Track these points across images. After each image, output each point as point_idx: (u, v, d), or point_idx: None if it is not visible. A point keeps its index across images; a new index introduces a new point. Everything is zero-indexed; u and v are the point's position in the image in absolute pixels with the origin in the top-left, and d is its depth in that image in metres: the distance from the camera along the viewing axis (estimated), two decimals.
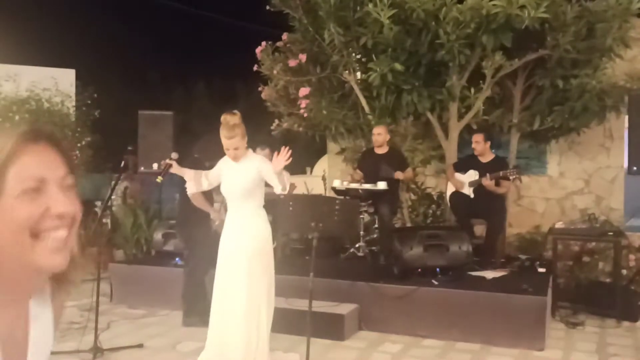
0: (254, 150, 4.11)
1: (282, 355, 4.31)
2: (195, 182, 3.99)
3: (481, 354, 4.43)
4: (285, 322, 4.67)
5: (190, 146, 5.68)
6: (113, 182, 4.90)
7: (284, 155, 3.59)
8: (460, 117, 6.61)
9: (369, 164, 6.39)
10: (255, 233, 3.80)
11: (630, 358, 4.36)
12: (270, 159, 3.82)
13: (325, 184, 8.27)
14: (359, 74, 7.00)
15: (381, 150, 6.37)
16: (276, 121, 7.67)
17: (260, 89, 7.67)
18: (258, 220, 3.83)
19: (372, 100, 6.79)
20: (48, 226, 0.90)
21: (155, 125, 7.37)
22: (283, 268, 5.59)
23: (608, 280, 5.91)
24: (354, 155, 7.24)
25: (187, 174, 4.02)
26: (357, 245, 6.31)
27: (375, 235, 6.46)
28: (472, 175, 6.04)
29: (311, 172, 10.76)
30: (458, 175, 6.19)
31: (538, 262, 5.85)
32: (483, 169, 5.92)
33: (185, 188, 4.37)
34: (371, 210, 6.32)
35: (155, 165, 7.36)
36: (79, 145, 7.91)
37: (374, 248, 6.35)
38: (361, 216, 6.27)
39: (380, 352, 4.49)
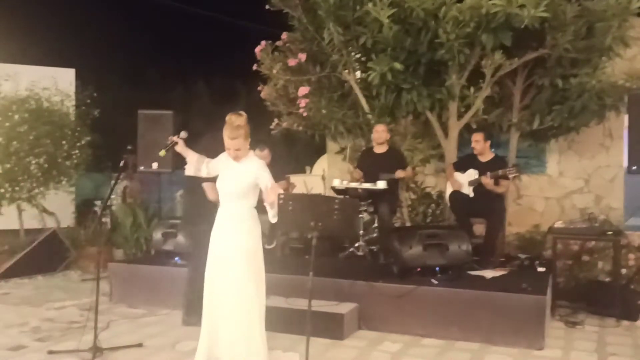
0: (253, 150, 4.11)
1: (281, 355, 4.31)
2: (195, 166, 3.95)
3: (480, 353, 4.43)
4: (285, 322, 4.68)
5: (190, 145, 5.68)
6: (112, 182, 4.90)
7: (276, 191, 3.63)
8: (460, 116, 6.62)
9: (368, 164, 6.40)
10: (249, 233, 3.80)
11: (630, 357, 4.36)
12: (269, 160, 3.84)
13: (324, 183, 8.28)
14: (358, 73, 7.00)
15: (381, 150, 6.37)
16: (276, 120, 7.67)
17: (259, 88, 7.67)
18: (251, 220, 3.83)
19: (372, 100, 6.79)
20: None
21: (155, 125, 7.37)
22: (283, 267, 5.61)
23: (607, 279, 5.91)
24: (354, 155, 7.24)
25: (191, 155, 3.98)
26: (356, 245, 6.31)
27: (374, 235, 6.46)
28: (472, 174, 6.04)
29: (310, 171, 10.76)
30: (457, 175, 6.19)
31: (537, 262, 5.85)
32: (482, 168, 5.92)
33: (187, 187, 4.38)
34: (371, 209, 6.32)
35: (155, 165, 7.37)
36: (78, 144, 7.90)
37: (373, 247, 6.35)
38: (361, 215, 6.27)
39: (379, 351, 4.49)
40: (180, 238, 5.96)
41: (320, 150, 9.89)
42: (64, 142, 7.65)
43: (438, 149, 7.00)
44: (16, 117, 7.27)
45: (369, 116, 6.79)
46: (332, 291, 5.04)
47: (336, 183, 6.30)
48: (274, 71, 7.31)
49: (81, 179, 8.75)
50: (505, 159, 6.44)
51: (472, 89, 6.28)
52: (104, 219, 7.12)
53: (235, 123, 3.71)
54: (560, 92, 6.30)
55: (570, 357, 4.35)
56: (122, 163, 4.79)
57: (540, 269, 5.65)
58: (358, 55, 6.86)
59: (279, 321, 4.65)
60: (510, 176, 5.81)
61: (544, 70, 6.36)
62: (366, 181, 6.21)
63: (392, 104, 6.52)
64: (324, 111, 6.97)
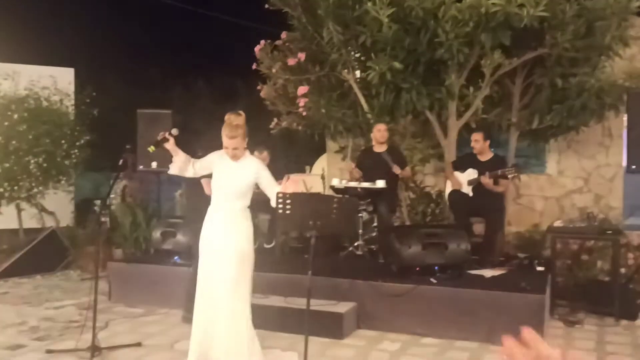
0: (252, 153, 4.11)
1: (280, 354, 4.31)
2: (180, 166, 3.87)
3: (480, 352, 4.43)
4: (284, 321, 4.67)
5: (189, 144, 5.67)
6: (111, 181, 4.89)
7: (294, 183, 3.63)
8: (459, 115, 6.61)
9: (368, 163, 6.39)
10: (245, 233, 3.80)
11: (629, 356, 4.36)
12: (268, 162, 3.85)
13: (324, 183, 8.27)
14: (358, 73, 6.99)
15: (380, 149, 6.37)
16: (275, 120, 7.67)
17: (259, 87, 7.67)
18: (247, 221, 3.84)
19: (371, 99, 6.79)
20: None
21: (154, 124, 7.36)
22: (282, 267, 5.61)
23: (607, 278, 5.91)
24: (353, 154, 7.24)
25: (179, 155, 3.88)
26: (355, 244, 6.31)
27: (374, 234, 6.46)
28: (471, 173, 6.03)
29: (310, 170, 10.75)
30: (457, 174, 6.19)
31: (537, 261, 5.85)
32: (482, 168, 5.91)
33: (189, 185, 4.37)
34: (370, 208, 6.32)
35: (154, 164, 7.36)
36: (77, 144, 7.90)
37: (372, 246, 6.35)
38: (360, 215, 6.27)
39: (378, 350, 4.49)
40: (180, 237, 5.95)
41: (320, 150, 9.89)
42: (63, 141, 7.64)
43: (437, 149, 7.00)
44: (15, 116, 7.27)
45: (369, 115, 6.79)
46: (331, 290, 5.04)
47: (335, 182, 6.30)
48: (274, 70, 7.31)
49: (80, 179, 8.74)
50: (504, 158, 6.43)
51: (471, 89, 6.28)
52: (103, 218, 7.10)
53: (234, 122, 3.71)
54: (560, 92, 6.29)
55: None
56: (121, 162, 4.79)
57: (540, 268, 5.65)
58: (357, 55, 6.85)
59: (278, 320, 4.65)
60: (510, 176, 5.80)
61: (543, 69, 6.36)
62: (366, 180, 6.20)
63: (391, 103, 6.52)
64: (323, 110, 6.97)
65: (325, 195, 6.36)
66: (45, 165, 7.46)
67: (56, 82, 7.83)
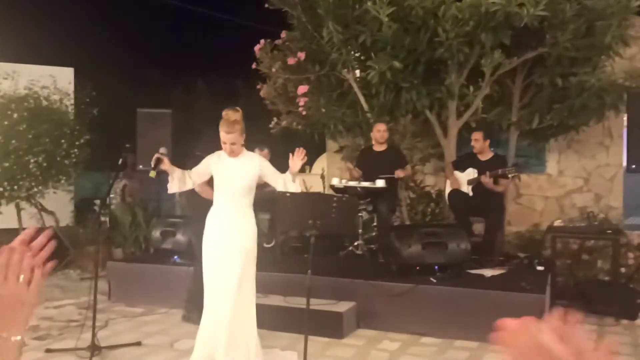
0: (252, 151, 4.10)
1: (280, 353, 4.30)
2: (180, 181, 3.87)
3: (479, 351, 4.42)
4: (283, 320, 4.67)
5: (189, 144, 5.68)
6: (111, 180, 4.89)
7: (299, 155, 3.63)
8: (459, 115, 6.61)
9: (368, 162, 6.39)
10: (250, 232, 3.80)
11: (629, 356, 4.36)
12: (269, 160, 3.86)
13: (324, 182, 8.27)
14: (357, 72, 6.99)
15: (380, 148, 6.36)
16: (275, 119, 7.67)
17: (258, 87, 7.66)
18: (251, 219, 3.84)
19: (371, 98, 6.78)
20: None
21: (154, 123, 7.36)
22: (281, 266, 5.60)
23: (607, 278, 5.91)
24: (353, 154, 7.23)
25: (175, 172, 3.88)
26: (355, 243, 6.30)
27: (373, 233, 6.45)
28: (471, 173, 6.03)
29: (310, 170, 10.75)
30: (457, 174, 6.19)
31: (537, 260, 5.84)
32: (482, 167, 5.91)
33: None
34: (370, 208, 6.31)
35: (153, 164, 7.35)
36: (77, 143, 7.88)
37: (372, 246, 6.35)
38: (360, 214, 6.26)
39: (378, 349, 4.49)
40: (179, 236, 5.95)
41: (320, 149, 9.88)
42: (62, 140, 7.63)
43: (437, 148, 7.00)
44: (15, 115, 7.25)
45: (368, 115, 6.78)
46: (331, 290, 5.04)
47: (335, 182, 6.30)
48: (273, 70, 7.30)
49: (80, 178, 8.72)
50: (504, 158, 6.43)
51: (471, 88, 6.27)
52: (102, 218, 7.09)
53: (232, 118, 3.71)
54: (560, 91, 6.29)
55: None
56: (120, 161, 4.79)
57: (540, 268, 5.65)
58: (357, 54, 6.85)
59: (278, 320, 4.65)
60: (510, 175, 5.80)
61: (543, 69, 6.35)
62: (365, 180, 6.20)
63: (391, 102, 6.51)
64: (323, 110, 6.97)
65: (325, 195, 6.36)
66: (45, 164, 7.44)
67: (56, 81, 7.81)
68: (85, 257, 7.51)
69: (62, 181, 7.80)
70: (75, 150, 7.80)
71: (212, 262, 3.78)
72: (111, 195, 7.51)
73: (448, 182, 6.29)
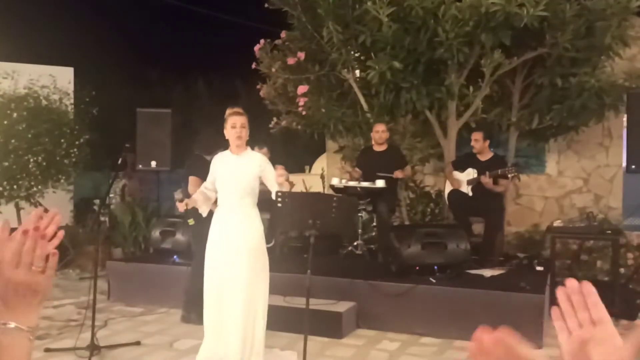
0: (252, 149, 4.10)
1: (279, 353, 4.31)
2: (206, 201, 3.92)
3: None
4: (283, 320, 4.67)
5: (189, 143, 5.67)
6: (111, 180, 4.89)
7: (280, 172, 3.66)
8: (459, 115, 6.61)
9: (367, 162, 6.39)
10: (256, 230, 3.79)
11: None
12: (269, 158, 3.86)
13: (323, 182, 8.27)
14: (357, 72, 6.99)
15: (380, 148, 6.36)
16: (275, 119, 7.66)
17: (258, 87, 7.66)
18: (256, 218, 3.83)
19: (371, 99, 6.78)
20: None
21: (154, 123, 7.36)
22: (281, 266, 5.59)
23: (606, 278, 5.91)
24: (353, 154, 7.23)
25: (198, 199, 3.90)
26: (355, 243, 6.30)
27: (373, 234, 6.45)
28: (471, 173, 6.04)
29: (310, 170, 10.75)
30: (456, 174, 6.19)
31: (536, 261, 5.85)
32: (481, 167, 5.91)
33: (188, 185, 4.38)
34: (369, 208, 6.31)
35: (153, 163, 7.35)
36: (77, 143, 7.88)
37: (372, 246, 6.35)
38: (359, 214, 6.26)
39: (378, 349, 4.49)
40: (179, 236, 5.95)
41: (320, 149, 9.89)
42: (62, 140, 7.62)
43: (437, 148, 7.00)
44: (14, 115, 7.25)
45: (368, 115, 6.78)
46: (331, 290, 5.04)
47: (335, 182, 6.29)
48: (273, 70, 7.30)
49: (80, 178, 8.72)
50: (504, 158, 6.44)
51: (471, 88, 6.27)
52: (102, 218, 7.09)
53: (237, 109, 3.77)
54: (560, 92, 6.28)
55: None
56: (120, 161, 4.79)
57: (539, 268, 5.65)
58: (357, 54, 6.84)
59: (277, 320, 4.63)
60: (510, 175, 5.80)
61: (543, 69, 6.35)
62: (365, 180, 6.20)
63: (391, 102, 6.51)
64: (323, 110, 6.96)
65: (325, 195, 6.36)
66: (44, 164, 7.44)
67: (56, 81, 7.81)
68: (85, 257, 7.51)
69: (62, 181, 7.79)
70: (75, 149, 7.79)
71: (218, 262, 3.76)
72: (111, 195, 7.51)
73: (448, 182, 6.30)
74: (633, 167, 5.48)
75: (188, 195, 4.98)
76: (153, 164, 7.28)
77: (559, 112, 6.29)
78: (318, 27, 6.74)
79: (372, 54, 6.17)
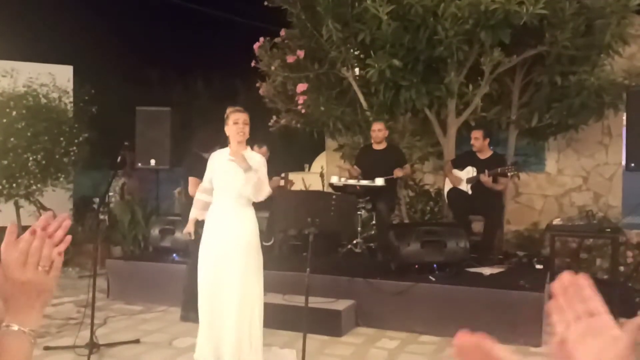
0: (251, 148, 4.10)
1: (278, 351, 4.30)
2: (204, 208, 3.99)
3: None
4: (282, 318, 4.67)
5: (188, 142, 5.67)
6: (110, 178, 4.88)
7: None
8: (459, 113, 6.60)
9: (367, 161, 6.38)
10: (250, 228, 3.79)
11: None
12: (267, 157, 3.86)
13: (323, 181, 8.26)
14: (357, 70, 6.98)
15: (379, 147, 6.36)
16: (274, 117, 7.66)
17: (258, 85, 7.65)
18: (250, 216, 3.83)
19: (370, 97, 6.78)
20: None
21: (153, 122, 7.35)
22: (280, 264, 5.60)
23: (605, 277, 5.91)
24: (352, 152, 7.23)
25: (197, 210, 4.07)
26: (354, 242, 6.30)
27: (372, 232, 6.45)
28: (470, 171, 6.03)
29: (309, 168, 10.74)
30: (456, 172, 6.19)
31: (536, 259, 5.85)
32: (481, 166, 5.91)
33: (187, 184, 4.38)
34: (369, 206, 6.31)
35: (153, 162, 7.34)
36: (76, 141, 7.88)
37: (371, 244, 6.34)
38: (359, 212, 6.26)
39: (377, 348, 4.49)
40: (178, 235, 5.94)
41: (319, 148, 9.88)
42: (61, 138, 7.62)
43: (436, 147, 6.99)
44: (14, 113, 7.24)
45: (368, 113, 6.78)
46: (330, 288, 5.04)
47: (334, 180, 6.29)
48: (273, 68, 7.29)
49: (79, 176, 8.72)
50: (504, 156, 6.43)
51: (470, 86, 6.27)
52: (101, 216, 7.09)
53: (239, 107, 3.78)
54: (559, 90, 6.28)
55: None
56: (119, 159, 4.78)
57: (538, 267, 5.66)
58: (357, 52, 6.83)
59: (276, 318, 4.64)
60: (509, 174, 5.80)
61: (542, 67, 6.35)
62: (365, 178, 6.19)
63: (390, 101, 6.50)
64: (322, 108, 6.95)
65: (324, 193, 6.35)
66: (43, 162, 7.44)
67: (55, 79, 7.80)
68: (84, 255, 7.51)
69: (61, 179, 7.79)
70: (74, 148, 7.79)
71: (212, 260, 3.76)
72: (110, 194, 7.51)
73: (447, 180, 6.29)
74: (632, 165, 5.48)
75: (188, 195, 4.99)
76: (152, 162, 7.27)
77: (559, 110, 6.29)
78: (317, 25, 6.73)
79: (372, 52, 6.16)
